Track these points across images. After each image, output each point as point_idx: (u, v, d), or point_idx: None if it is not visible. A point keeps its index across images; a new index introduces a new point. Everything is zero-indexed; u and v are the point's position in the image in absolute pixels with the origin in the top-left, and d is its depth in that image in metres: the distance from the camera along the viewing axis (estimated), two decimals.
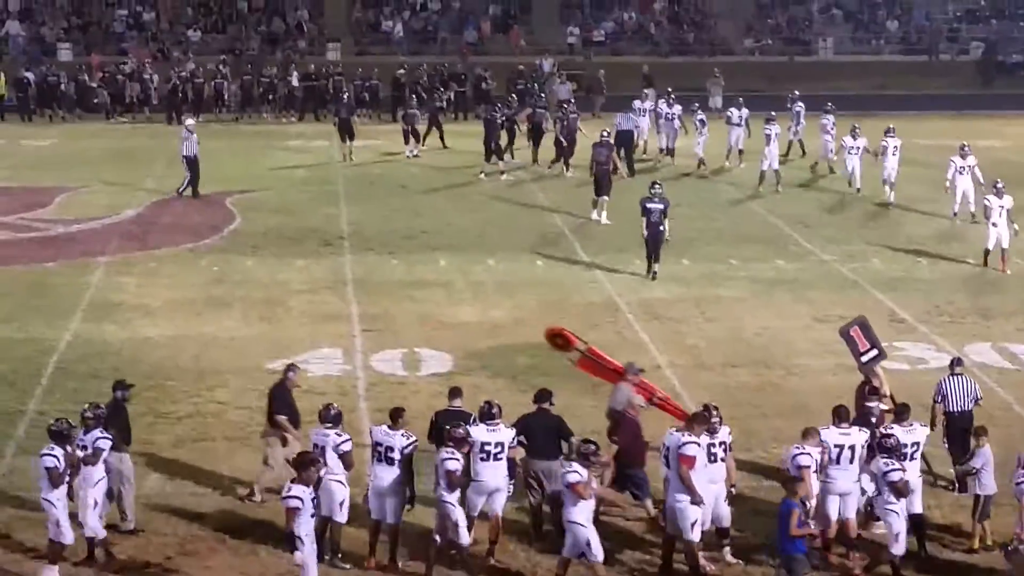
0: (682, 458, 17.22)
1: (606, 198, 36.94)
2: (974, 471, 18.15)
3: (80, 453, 17.30)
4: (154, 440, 21.28)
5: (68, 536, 17.16)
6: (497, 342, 26.68)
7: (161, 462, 20.50)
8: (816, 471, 17.57)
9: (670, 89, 47.17)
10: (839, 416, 18.06)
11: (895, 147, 39.42)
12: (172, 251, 33.77)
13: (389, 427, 17.67)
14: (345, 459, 17.66)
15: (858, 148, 40.15)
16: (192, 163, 39.73)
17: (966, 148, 36.34)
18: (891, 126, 40.52)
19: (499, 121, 43.97)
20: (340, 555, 17.69)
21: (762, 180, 40.96)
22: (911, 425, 18.19)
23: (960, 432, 19.60)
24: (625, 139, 43.21)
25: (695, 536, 17.38)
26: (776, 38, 70.15)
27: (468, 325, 27.77)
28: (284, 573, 17.30)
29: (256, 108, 56.89)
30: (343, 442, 17.66)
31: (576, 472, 16.78)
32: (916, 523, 17.99)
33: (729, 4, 71.94)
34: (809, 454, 17.47)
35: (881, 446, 17.47)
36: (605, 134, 38.75)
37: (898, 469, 17.18)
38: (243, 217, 37.40)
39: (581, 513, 16.81)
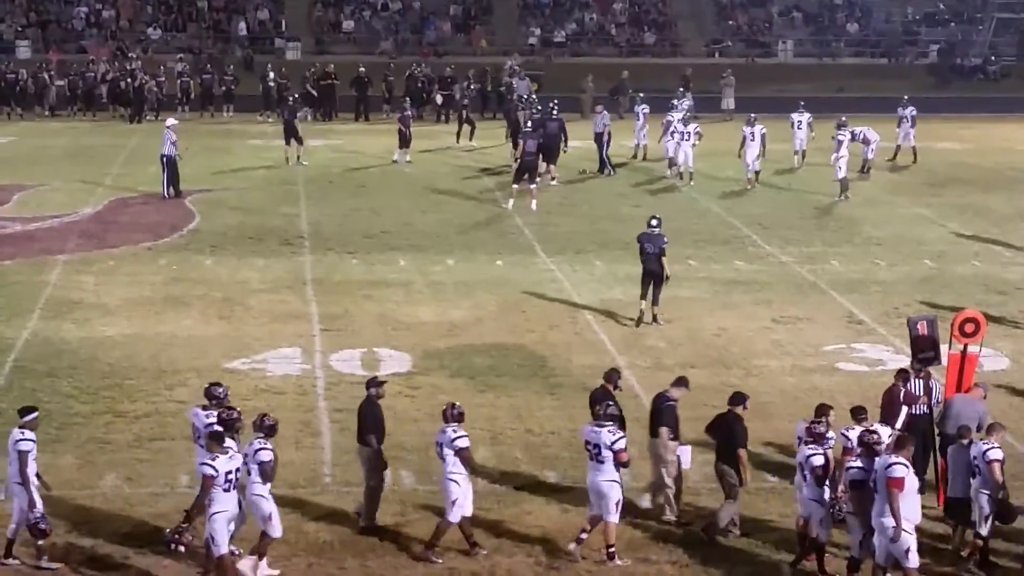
0: (891, 481, 16.38)
1: (532, 186, 37.84)
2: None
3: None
4: (112, 439, 21.22)
5: (279, 530, 16.99)
6: (456, 342, 26.68)
7: (119, 461, 20.43)
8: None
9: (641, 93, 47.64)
10: (853, 415, 18.32)
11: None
12: (131, 250, 33.65)
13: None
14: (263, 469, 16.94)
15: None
16: (170, 162, 39.55)
17: None
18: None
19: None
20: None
21: (844, 188, 40.26)
22: (871, 426, 18.25)
23: (921, 434, 19.65)
24: (599, 139, 43.77)
25: (913, 563, 16.57)
26: (736, 40, 70.37)
27: (427, 325, 27.75)
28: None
29: (217, 107, 56.83)
30: (261, 450, 16.88)
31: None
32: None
33: (690, 6, 72.14)
34: (999, 448, 17.54)
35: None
36: (528, 126, 39.08)
37: None
38: (202, 216, 37.29)
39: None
